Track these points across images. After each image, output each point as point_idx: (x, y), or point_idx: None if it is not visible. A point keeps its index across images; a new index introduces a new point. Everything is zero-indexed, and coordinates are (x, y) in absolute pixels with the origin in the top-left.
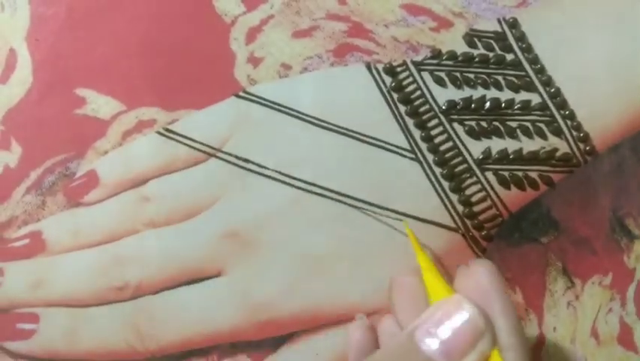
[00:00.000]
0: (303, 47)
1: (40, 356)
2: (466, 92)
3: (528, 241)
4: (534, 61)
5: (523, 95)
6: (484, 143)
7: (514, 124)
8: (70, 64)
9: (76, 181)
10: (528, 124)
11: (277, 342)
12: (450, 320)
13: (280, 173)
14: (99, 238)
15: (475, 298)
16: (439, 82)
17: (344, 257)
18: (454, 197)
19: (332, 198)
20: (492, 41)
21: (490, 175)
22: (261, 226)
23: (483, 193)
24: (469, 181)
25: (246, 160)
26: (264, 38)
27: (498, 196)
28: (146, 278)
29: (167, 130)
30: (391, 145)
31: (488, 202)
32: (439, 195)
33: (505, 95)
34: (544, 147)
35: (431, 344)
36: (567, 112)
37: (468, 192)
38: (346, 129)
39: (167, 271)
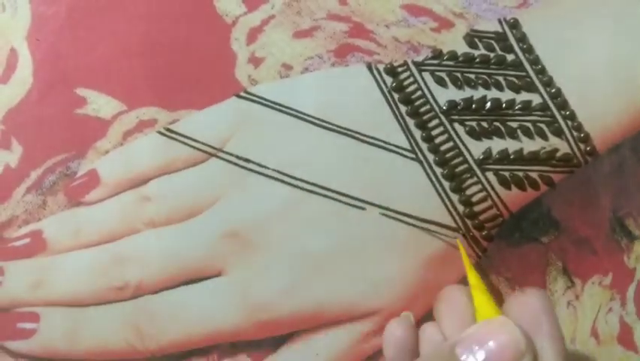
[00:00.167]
0: (304, 48)
1: (40, 355)
2: (467, 92)
3: (528, 241)
4: (535, 61)
5: (524, 96)
6: (485, 143)
7: (514, 124)
8: (70, 64)
9: (77, 181)
10: (529, 124)
11: (277, 342)
12: (493, 339)
13: (281, 173)
14: (100, 237)
15: (525, 320)
16: (440, 82)
17: (344, 257)
18: (455, 197)
19: (332, 198)
20: (493, 42)
21: (490, 175)
22: (261, 226)
23: (483, 193)
24: (469, 181)
25: (247, 160)
26: (265, 38)
27: (498, 196)
28: (146, 278)
29: (168, 130)
30: (392, 145)
31: (489, 202)
32: (439, 195)
33: (506, 95)
34: (544, 148)
35: None
36: (568, 112)
37: (468, 192)
38: (347, 129)
39: (167, 270)
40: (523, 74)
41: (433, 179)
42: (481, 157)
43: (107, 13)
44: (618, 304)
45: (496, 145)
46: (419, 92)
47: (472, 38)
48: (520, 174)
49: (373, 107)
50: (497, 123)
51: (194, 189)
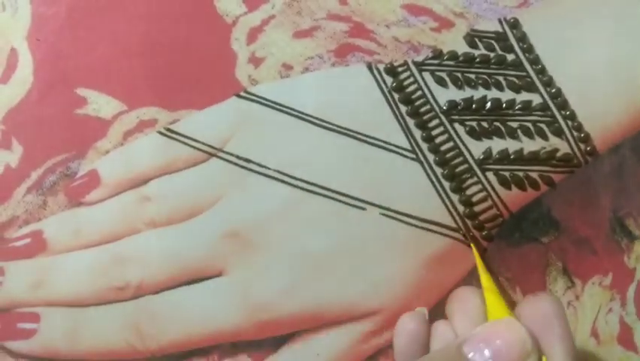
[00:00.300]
0: (304, 47)
1: (40, 355)
2: (467, 92)
3: (528, 241)
4: (535, 61)
5: (524, 96)
6: (485, 143)
7: (515, 124)
8: (71, 64)
9: (78, 181)
10: (529, 124)
11: (278, 342)
12: (499, 338)
13: (281, 173)
14: (100, 237)
15: (536, 322)
16: (440, 82)
17: (344, 257)
18: (455, 197)
19: (333, 198)
20: (493, 42)
21: (490, 175)
22: (261, 226)
23: (484, 193)
24: (469, 181)
25: (247, 160)
26: (265, 38)
27: (499, 196)
28: (146, 278)
29: (169, 130)
30: (392, 145)
31: (489, 202)
32: (439, 195)
33: (506, 95)
34: (545, 148)
35: (478, 359)
36: (568, 112)
37: (469, 192)
38: (347, 129)
39: (167, 270)
40: (524, 73)
41: (433, 179)
42: (481, 157)
43: (107, 13)
44: (618, 305)
45: (497, 145)
46: (419, 92)
47: (472, 38)
48: (521, 174)
49: (373, 107)
50: (497, 123)
51: (194, 189)
